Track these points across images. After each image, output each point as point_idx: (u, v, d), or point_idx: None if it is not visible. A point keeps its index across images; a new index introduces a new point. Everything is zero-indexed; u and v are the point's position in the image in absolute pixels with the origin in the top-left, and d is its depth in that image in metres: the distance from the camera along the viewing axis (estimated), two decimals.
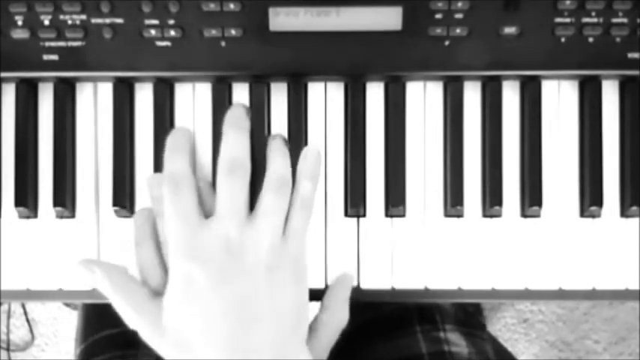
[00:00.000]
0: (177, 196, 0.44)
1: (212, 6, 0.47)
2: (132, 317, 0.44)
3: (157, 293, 0.45)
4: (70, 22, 0.48)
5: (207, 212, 0.45)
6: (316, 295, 0.48)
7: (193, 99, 0.50)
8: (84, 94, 0.50)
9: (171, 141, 0.47)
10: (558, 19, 0.48)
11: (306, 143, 0.50)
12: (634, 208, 0.49)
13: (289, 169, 0.46)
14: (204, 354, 0.42)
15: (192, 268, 0.43)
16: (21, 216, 0.50)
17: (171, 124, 0.50)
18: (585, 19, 0.48)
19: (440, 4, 0.47)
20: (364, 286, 0.50)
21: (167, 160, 0.46)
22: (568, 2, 0.47)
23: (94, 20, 0.48)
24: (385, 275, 0.50)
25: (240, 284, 0.42)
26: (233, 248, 0.43)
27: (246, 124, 0.47)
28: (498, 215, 0.50)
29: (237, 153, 0.45)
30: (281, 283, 0.43)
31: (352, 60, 0.48)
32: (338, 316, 0.48)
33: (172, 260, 0.44)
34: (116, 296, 0.45)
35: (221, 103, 0.50)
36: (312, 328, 0.47)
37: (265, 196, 0.45)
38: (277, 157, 0.47)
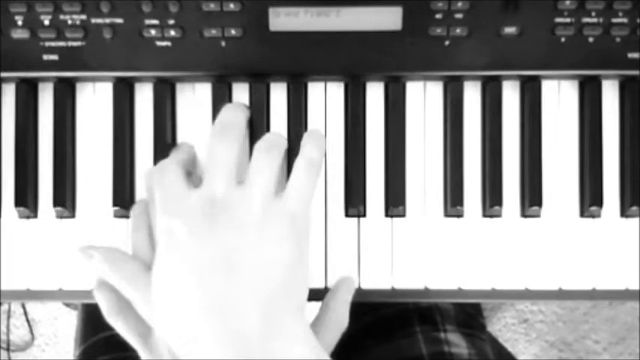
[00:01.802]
0: (162, 172, 0.44)
1: (212, 6, 0.47)
2: (128, 291, 0.44)
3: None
4: (70, 22, 0.48)
5: None
6: (316, 295, 0.48)
7: (193, 99, 0.50)
8: (84, 94, 0.50)
9: (175, 149, 0.48)
10: (558, 19, 0.48)
11: None
12: (634, 208, 0.49)
13: (283, 140, 0.46)
14: (184, 311, 0.40)
15: (173, 222, 0.42)
16: (21, 216, 0.50)
17: (172, 124, 0.50)
18: (585, 19, 0.48)
19: (440, 4, 0.47)
20: (364, 286, 0.50)
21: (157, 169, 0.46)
22: (568, 2, 0.47)
23: (94, 20, 0.48)
24: (385, 275, 0.50)
25: (224, 236, 0.41)
26: (218, 203, 0.42)
27: (244, 108, 0.48)
28: (498, 215, 0.50)
29: (232, 117, 0.45)
30: (274, 239, 0.42)
31: (352, 60, 0.48)
32: (339, 318, 0.47)
33: (157, 223, 0.43)
34: (112, 274, 0.44)
35: (221, 103, 0.49)
36: (313, 329, 0.46)
37: (255, 156, 0.44)
38: (271, 132, 0.47)
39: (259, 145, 0.45)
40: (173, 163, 0.45)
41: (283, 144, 0.46)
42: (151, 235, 0.46)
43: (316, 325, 0.47)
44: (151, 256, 0.45)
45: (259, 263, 0.41)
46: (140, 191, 0.50)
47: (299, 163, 0.45)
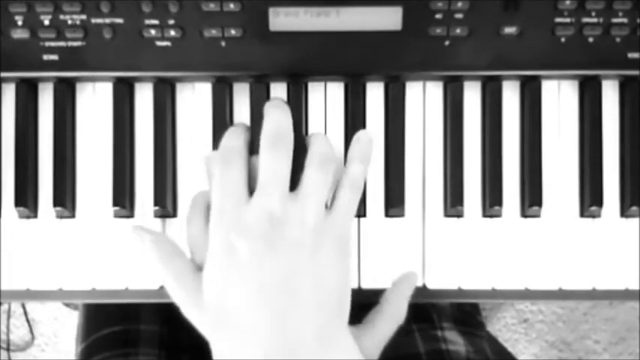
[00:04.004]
0: (225, 169, 0.44)
1: (212, 6, 0.47)
2: (173, 289, 0.44)
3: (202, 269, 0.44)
4: (70, 22, 0.48)
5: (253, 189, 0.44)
6: None
7: (193, 99, 0.50)
8: (84, 94, 0.50)
9: (230, 129, 0.47)
10: (558, 19, 0.48)
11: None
12: (634, 208, 0.49)
13: (332, 149, 0.46)
14: (243, 327, 0.41)
15: (234, 239, 0.42)
16: (21, 216, 0.50)
17: (172, 124, 0.50)
18: (585, 19, 0.48)
19: (440, 4, 0.47)
20: (364, 285, 0.50)
21: (223, 139, 0.45)
22: (568, 2, 0.47)
23: (94, 20, 0.48)
24: (385, 275, 0.50)
25: (283, 257, 0.41)
26: (276, 221, 0.42)
27: (287, 108, 0.46)
28: (498, 215, 0.50)
29: (281, 127, 0.44)
30: (325, 261, 0.42)
31: (352, 60, 0.48)
32: (397, 312, 0.48)
33: (213, 231, 0.43)
34: (160, 266, 0.44)
35: (221, 103, 0.50)
36: (370, 320, 0.47)
37: (309, 172, 0.44)
38: (319, 138, 0.46)
39: (313, 159, 0.44)
40: (238, 158, 0.44)
41: (334, 157, 0.45)
42: (206, 225, 0.46)
43: (375, 316, 0.47)
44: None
45: (315, 286, 0.42)
46: (140, 191, 0.50)
47: (345, 181, 0.45)
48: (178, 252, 0.45)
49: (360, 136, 0.47)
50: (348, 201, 0.45)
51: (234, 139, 0.45)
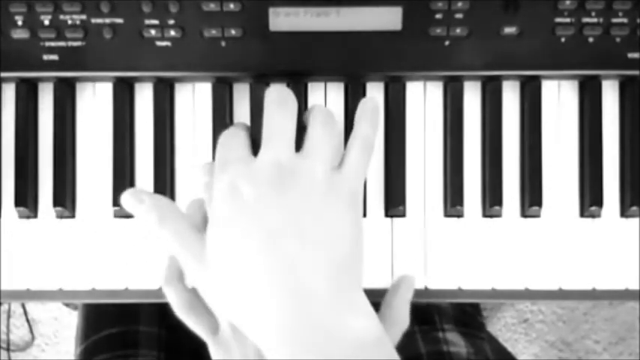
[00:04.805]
0: (229, 139, 0.43)
1: (212, 6, 0.48)
2: (177, 250, 0.42)
3: None
4: (70, 22, 0.48)
5: None
6: None
7: (193, 99, 0.50)
8: (84, 94, 0.51)
9: (229, 128, 0.46)
10: (558, 19, 0.48)
11: None
12: (634, 208, 0.49)
13: (334, 115, 0.45)
14: (250, 278, 0.39)
15: (239, 181, 0.40)
16: (21, 216, 0.50)
17: (171, 124, 0.50)
18: (585, 19, 0.48)
19: (440, 4, 0.47)
20: (364, 285, 0.50)
21: (224, 133, 0.45)
22: (568, 2, 0.47)
23: (94, 20, 0.48)
24: (385, 275, 0.50)
25: (292, 201, 0.40)
26: (284, 169, 0.40)
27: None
28: (498, 215, 0.50)
29: (285, 92, 0.43)
30: (337, 212, 0.41)
31: (352, 60, 0.48)
32: (401, 316, 0.47)
33: (217, 181, 0.41)
34: (162, 228, 0.42)
35: (221, 103, 0.50)
36: None
37: (312, 129, 0.43)
38: (319, 105, 0.45)
39: (316, 117, 0.43)
40: (240, 130, 0.44)
41: (335, 119, 0.44)
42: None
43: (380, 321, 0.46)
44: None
45: (327, 232, 0.40)
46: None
47: (354, 141, 0.44)
48: (180, 213, 0.43)
49: (365, 102, 0.45)
50: (358, 159, 0.43)
51: (234, 133, 0.45)
